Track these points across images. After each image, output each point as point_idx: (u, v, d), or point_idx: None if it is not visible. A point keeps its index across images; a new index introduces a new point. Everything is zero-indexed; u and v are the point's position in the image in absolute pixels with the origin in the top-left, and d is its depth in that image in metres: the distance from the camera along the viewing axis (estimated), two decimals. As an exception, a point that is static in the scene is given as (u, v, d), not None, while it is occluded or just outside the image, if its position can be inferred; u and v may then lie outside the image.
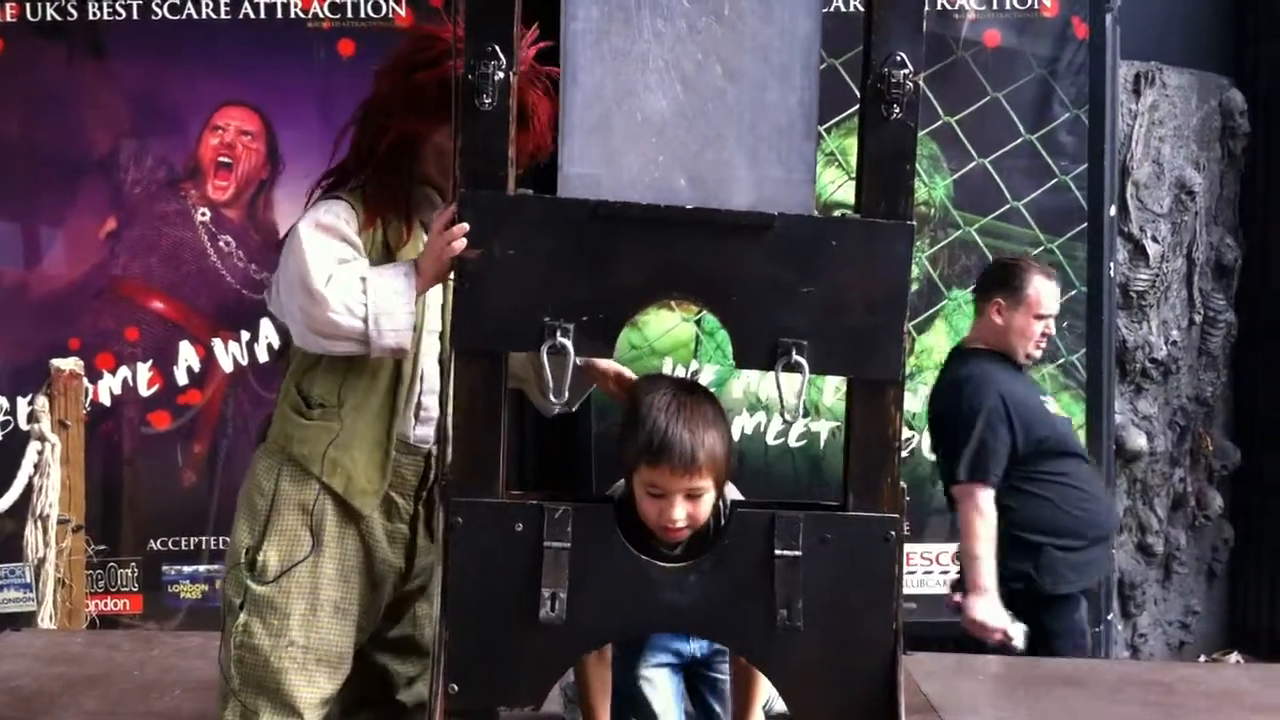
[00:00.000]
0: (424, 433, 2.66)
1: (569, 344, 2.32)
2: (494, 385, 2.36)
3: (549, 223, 2.37)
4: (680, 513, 2.36)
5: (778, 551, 2.36)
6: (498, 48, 2.33)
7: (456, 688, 2.36)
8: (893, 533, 2.41)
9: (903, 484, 2.48)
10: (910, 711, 2.55)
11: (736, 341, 2.38)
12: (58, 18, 5.42)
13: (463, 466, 2.36)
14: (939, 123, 5.43)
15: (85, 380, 5.15)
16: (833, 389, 5.33)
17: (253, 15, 5.44)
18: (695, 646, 2.89)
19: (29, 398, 5.11)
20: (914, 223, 2.42)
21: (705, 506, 2.38)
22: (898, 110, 2.37)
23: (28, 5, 5.39)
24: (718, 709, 2.91)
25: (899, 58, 2.37)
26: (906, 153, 2.40)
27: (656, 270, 2.37)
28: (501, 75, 2.33)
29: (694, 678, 2.96)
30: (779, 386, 2.37)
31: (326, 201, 2.61)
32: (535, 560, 2.35)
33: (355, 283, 2.45)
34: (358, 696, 2.74)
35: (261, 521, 2.60)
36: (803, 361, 2.35)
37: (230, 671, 2.56)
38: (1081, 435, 5.44)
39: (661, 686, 2.85)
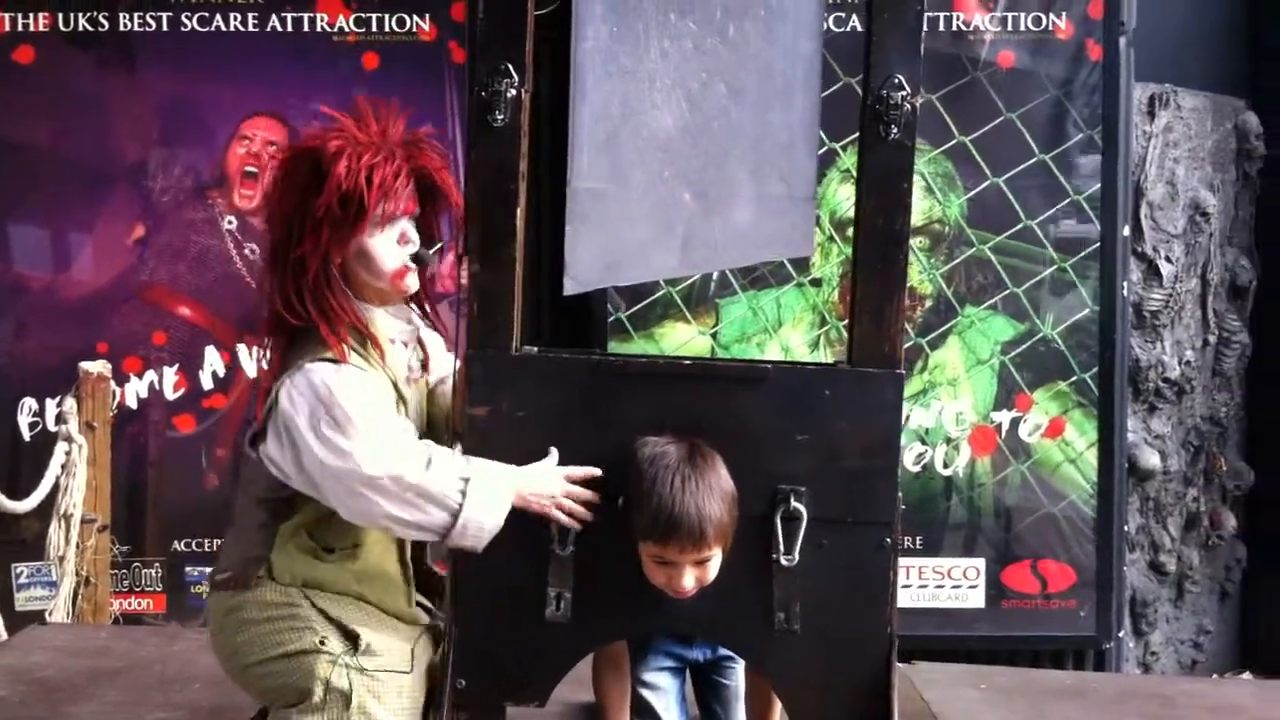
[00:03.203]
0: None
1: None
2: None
3: (553, 379, 2.47)
4: (689, 581, 2.38)
5: (776, 556, 2.42)
6: (510, 65, 2.41)
7: (464, 683, 2.44)
8: (887, 540, 2.47)
9: (899, 494, 2.51)
10: (910, 718, 2.61)
11: (739, 486, 2.41)
12: (89, 28, 5.52)
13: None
14: (954, 142, 5.49)
15: (112, 383, 5.26)
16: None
17: (280, 28, 5.54)
18: (699, 652, 2.93)
19: (57, 400, 5.22)
20: (903, 372, 2.50)
21: (713, 569, 2.39)
22: (895, 131, 2.44)
23: (60, 15, 5.50)
24: (720, 714, 2.95)
25: (897, 80, 2.44)
26: (904, 171, 2.47)
27: (658, 420, 2.43)
28: (514, 92, 2.41)
29: (700, 683, 3.01)
30: (778, 532, 2.42)
31: (321, 372, 2.36)
32: (542, 562, 2.43)
33: (454, 480, 2.32)
34: None
35: (312, 626, 2.44)
36: (801, 508, 2.42)
37: None
38: (1093, 454, 5.52)
39: (663, 689, 2.89)
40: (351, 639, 2.42)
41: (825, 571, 2.45)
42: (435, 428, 2.63)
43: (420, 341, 2.63)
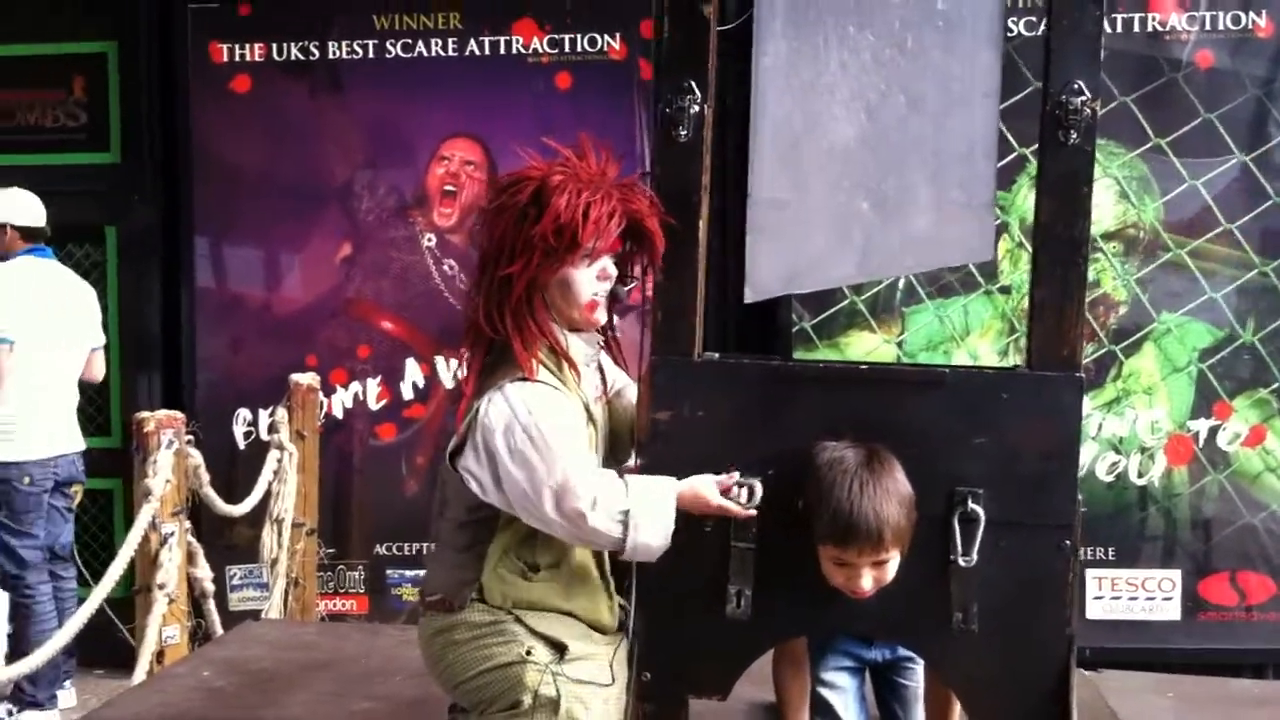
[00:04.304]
0: None
1: (756, 484, 2.44)
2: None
3: (733, 384, 2.54)
4: (868, 582, 2.42)
5: (954, 557, 2.46)
6: (694, 83, 2.50)
7: (648, 675, 2.53)
8: (1066, 542, 2.47)
9: (1079, 496, 2.52)
10: (1093, 723, 2.61)
11: (916, 488, 2.43)
12: (301, 57, 5.85)
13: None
14: (1149, 144, 5.41)
15: (321, 394, 5.53)
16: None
17: (478, 52, 5.77)
18: (877, 653, 2.97)
19: (270, 410, 5.51)
20: (1082, 375, 2.49)
21: (891, 570, 2.43)
22: (1075, 136, 2.46)
23: (274, 45, 5.84)
24: (899, 714, 2.99)
25: (1077, 85, 2.45)
26: (1084, 176, 2.48)
27: (835, 424, 2.48)
28: (697, 109, 2.50)
29: (879, 683, 3.04)
30: (955, 534, 2.44)
31: (521, 392, 2.44)
32: (723, 559, 2.50)
33: (616, 515, 2.40)
34: None
35: (518, 639, 2.51)
36: (979, 509, 2.44)
37: None
38: (1299, 464, 5.38)
39: (842, 689, 2.94)
40: (558, 649, 2.51)
41: (1003, 572, 2.46)
42: (618, 439, 2.73)
43: (600, 364, 2.74)
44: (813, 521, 2.42)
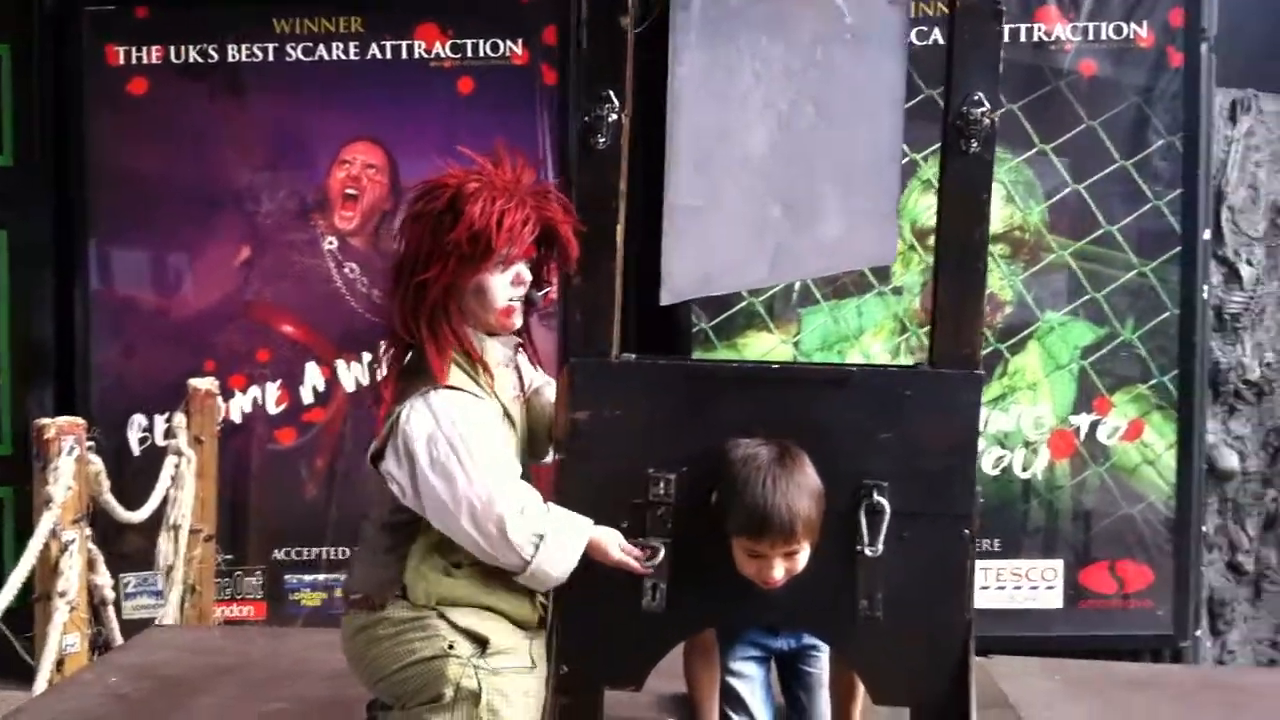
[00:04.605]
0: None
1: (661, 548, 2.55)
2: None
3: (650, 384, 2.63)
4: (779, 572, 2.51)
5: (861, 547, 2.56)
6: (612, 93, 2.58)
7: (565, 668, 2.61)
8: (966, 531, 2.60)
9: (978, 487, 2.64)
10: (988, 706, 2.74)
11: (825, 482, 2.54)
12: (199, 60, 5.79)
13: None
14: (1034, 150, 5.60)
15: (219, 399, 5.49)
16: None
17: (379, 56, 5.77)
18: (783, 642, 3.07)
19: (166, 415, 5.44)
20: (982, 373, 2.63)
21: (802, 561, 2.53)
22: (975, 145, 2.58)
23: (172, 48, 5.77)
24: (805, 702, 3.09)
25: (977, 96, 2.57)
26: (984, 183, 2.61)
27: (747, 421, 2.58)
28: (615, 117, 2.58)
29: (785, 671, 3.14)
30: (862, 525, 2.55)
31: (442, 402, 2.51)
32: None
33: (531, 536, 2.47)
34: None
35: (440, 634, 2.58)
36: (884, 502, 2.56)
37: None
38: (1172, 456, 5.60)
39: (750, 677, 3.04)
40: (480, 643, 2.58)
41: (907, 562, 2.58)
42: (536, 437, 2.80)
43: (516, 365, 2.80)
44: (726, 515, 2.51)
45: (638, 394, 2.62)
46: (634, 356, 2.68)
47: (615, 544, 2.55)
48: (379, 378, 2.73)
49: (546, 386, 2.83)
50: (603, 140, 2.59)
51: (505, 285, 2.59)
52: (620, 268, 2.65)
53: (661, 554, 2.55)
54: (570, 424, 2.61)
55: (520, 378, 2.78)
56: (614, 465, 2.57)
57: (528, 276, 2.63)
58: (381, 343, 2.70)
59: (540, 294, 2.68)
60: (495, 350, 2.64)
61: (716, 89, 2.66)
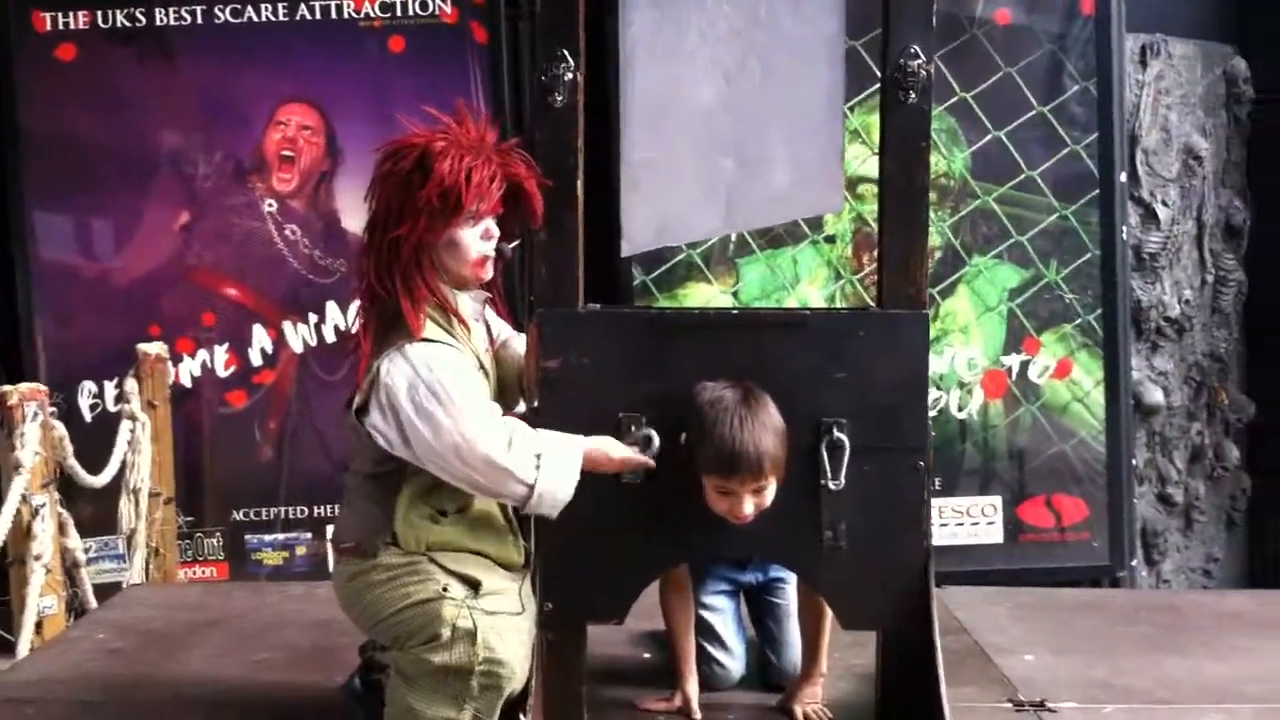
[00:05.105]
0: None
1: (653, 433, 2.69)
2: None
3: (616, 333, 2.77)
4: (749, 507, 2.66)
5: (824, 482, 2.71)
6: (566, 52, 2.68)
7: (550, 605, 2.74)
8: (920, 463, 2.75)
9: (929, 422, 2.79)
10: (944, 633, 2.90)
11: (787, 421, 2.68)
12: (127, 24, 5.76)
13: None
14: (955, 98, 5.71)
15: (169, 363, 5.52)
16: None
17: (309, 16, 5.77)
18: (751, 575, 3.23)
19: (115, 381, 5.46)
20: (929, 312, 2.79)
21: (769, 497, 2.68)
22: (913, 95, 2.72)
23: (99, 12, 5.74)
24: (775, 632, 3.25)
25: (913, 50, 2.71)
26: (923, 132, 2.76)
27: (710, 366, 2.72)
28: (570, 76, 2.68)
29: (754, 604, 3.30)
30: (824, 460, 2.71)
31: (420, 352, 2.61)
32: (614, 494, 2.71)
33: (530, 458, 2.56)
34: None
35: (434, 578, 2.68)
36: (844, 438, 2.70)
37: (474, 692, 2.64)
38: (1100, 392, 5.77)
39: (721, 610, 3.20)
40: (472, 585, 2.69)
41: (867, 493, 2.74)
42: (506, 386, 2.91)
43: (485, 318, 2.90)
44: (696, 455, 2.65)
45: (604, 342, 2.74)
46: (599, 306, 2.80)
47: (614, 447, 2.67)
48: (355, 332, 2.81)
49: (514, 339, 2.94)
50: (560, 98, 2.70)
51: (476, 239, 2.70)
52: (581, 222, 2.76)
53: (656, 439, 2.67)
54: (541, 372, 2.72)
55: (489, 331, 2.89)
56: (585, 411, 2.70)
57: (496, 231, 2.73)
58: (360, 301, 2.78)
59: (510, 246, 2.78)
60: (466, 304, 2.75)
61: (665, 48, 2.78)
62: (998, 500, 5.83)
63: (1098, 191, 5.78)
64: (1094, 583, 5.78)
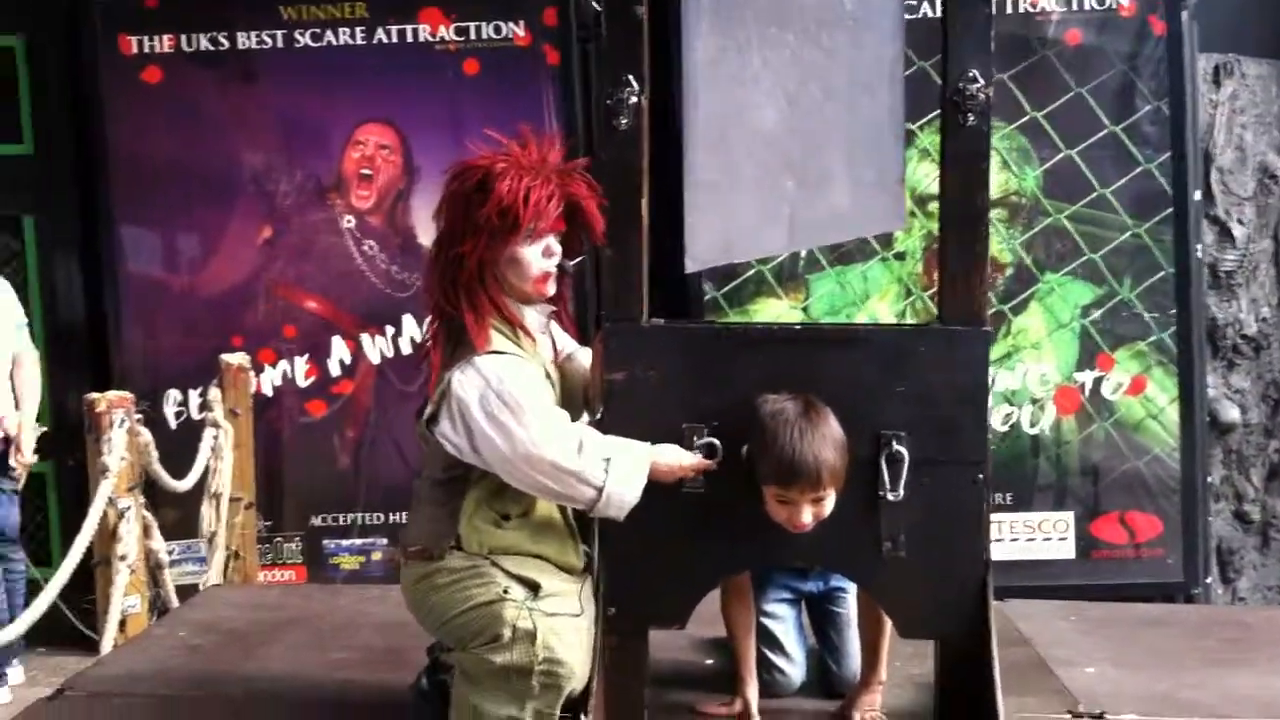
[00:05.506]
0: None
1: (715, 442, 2.75)
2: None
3: (680, 346, 2.83)
4: (808, 517, 2.70)
5: (883, 494, 2.77)
6: (631, 76, 2.76)
7: (613, 610, 2.81)
8: (980, 476, 2.80)
9: (989, 436, 2.83)
10: (1006, 645, 2.92)
11: (847, 433, 2.72)
12: (210, 48, 5.97)
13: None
14: (1026, 118, 5.77)
15: (251, 373, 5.69)
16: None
17: (386, 40, 5.95)
18: (812, 584, 3.27)
19: (199, 390, 5.67)
20: (989, 328, 2.82)
21: (828, 507, 2.72)
22: (972, 118, 2.76)
23: (183, 37, 5.96)
24: (835, 640, 3.29)
25: (972, 74, 2.76)
26: (982, 153, 2.80)
27: (771, 379, 2.76)
28: (635, 100, 2.76)
29: (815, 612, 3.34)
30: (883, 472, 2.75)
31: (490, 363, 2.68)
32: (676, 502, 2.76)
33: (599, 461, 2.64)
34: None
35: (495, 580, 2.75)
36: (903, 450, 2.75)
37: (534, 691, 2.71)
38: (1174, 409, 5.77)
39: (782, 618, 3.25)
40: (532, 588, 2.77)
41: (926, 505, 2.78)
42: (571, 397, 2.99)
43: (551, 332, 3.00)
44: (758, 466, 2.71)
45: (668, 355, 2.81)
46: (663, 321, 2.87)
47: (681, 453, 2.74)
48: (425, 348, 2.89)
49: (578, 352, 3.03)
50: (624, 121, 2.77)
51: (537, 256, 2.78)
52: (646, 239, 2.84)
53: (719, 448, 2.74)
54: (606, 385, 2.80)
55: (555, 344, 2.98)
56: (650, 422, 2.76)
57: (557, 248, 2.82)
58: (429, 316, 2.89)
59: (573, 263, 2.87)
60: (532, 317, 2.84)
61: (728, 73, 2.85)
62: (1070, 516, 5.85)
63: (1171, 210, 5.80)
64: (1168, 599, 5.76)
